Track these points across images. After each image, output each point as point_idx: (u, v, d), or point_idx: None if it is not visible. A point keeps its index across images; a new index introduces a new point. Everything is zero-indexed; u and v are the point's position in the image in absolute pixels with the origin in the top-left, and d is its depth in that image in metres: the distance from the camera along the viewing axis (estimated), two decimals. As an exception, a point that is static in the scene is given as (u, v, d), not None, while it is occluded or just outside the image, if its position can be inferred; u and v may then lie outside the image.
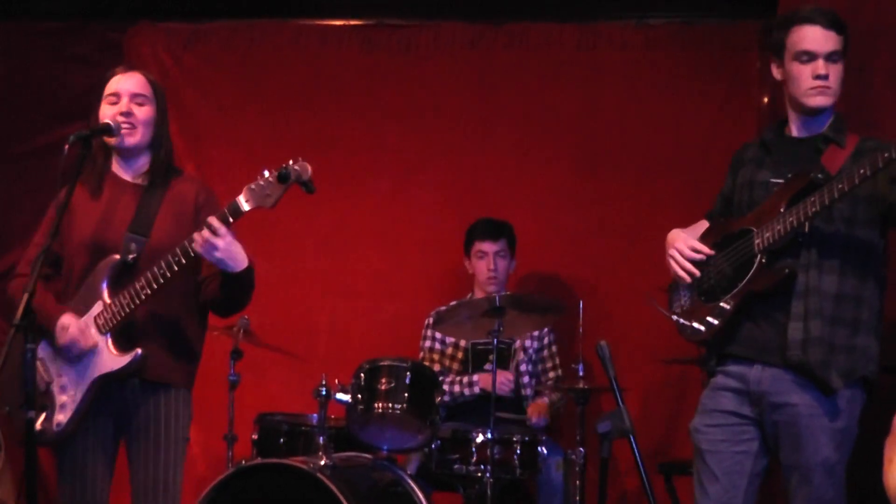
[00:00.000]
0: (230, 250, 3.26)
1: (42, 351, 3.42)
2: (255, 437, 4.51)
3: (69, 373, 3.39)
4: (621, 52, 5.44)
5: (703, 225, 3.55)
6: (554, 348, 5.07)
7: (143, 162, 3.53)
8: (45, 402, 3.38)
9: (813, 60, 3.26)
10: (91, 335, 3.36)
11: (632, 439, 3.05)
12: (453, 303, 4.95)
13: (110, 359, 3.35)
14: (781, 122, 3.47)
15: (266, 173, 3.23)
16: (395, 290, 5.49)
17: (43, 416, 3.38)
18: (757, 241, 3.27)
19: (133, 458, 3.46)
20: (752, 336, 3.30)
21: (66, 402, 3.38)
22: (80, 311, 3.40)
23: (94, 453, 3.43)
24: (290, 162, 3.23)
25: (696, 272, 3.40)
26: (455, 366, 5.04)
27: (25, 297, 3.02)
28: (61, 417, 3.37)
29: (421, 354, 5.11)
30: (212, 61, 5.65)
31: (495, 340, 4.31)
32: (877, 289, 3.29)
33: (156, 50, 5.60)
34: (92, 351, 3.37)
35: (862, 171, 3.02)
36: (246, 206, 3.24)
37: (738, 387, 3.32)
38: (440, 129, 5.54)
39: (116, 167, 3.54)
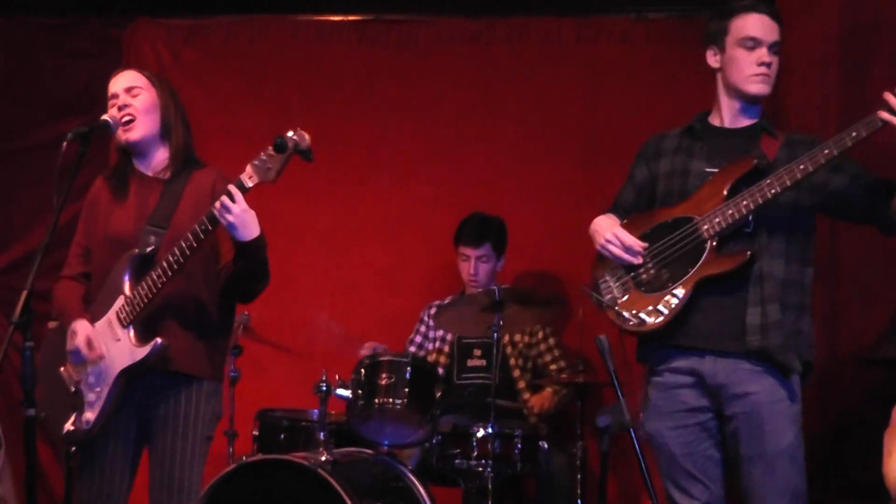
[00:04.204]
0: (243, 217, 3.27)
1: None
2: (255, 432, 4.52)
3: (95, 369, 3.38)
4: (621, 46, 5.43)
5: (612, 218, 3.52)
6: (551, 341, 5.03)
7: (161, 155, 3.56)
8: (76, 402, 3.36)
9: (758, 47, 3.32)
10: (98, 347, 3.35)
11: (632, 433, 3.05)
12: (448, 298, 4.94)
13: (132, 351, 3.34)
14: (705, 112, 3.51)
15: (269, 148, 3.25)
16: (396, 286, 5.48)
17: (73, 416, 3.36)
18: (705, 227, 3.26)
19: (152, 454, 3.45)
20: (700, 326, 3.27)
21: (93, 400, 3.37)
22: (102, 310, 3.41)
23: (115, 453, 3.42)
24: (290, 133, 3.23)
25: (641, 248, 3.35)
26: (442, 359, 5.04)
27: (24, 294, 3.00)
28: (90, 415, 3.36)
29: (412, 349, 5.12)
30: (211, 57, 5.65)
31: (495, 335, 4.30)
32: (812, 274, 3.34)
33: (155, 45, 5.60)
34: (115, 345, 3.36)
35: (827, 151, 3.08)
36: (249, 183, 3.27)
37: (692, 381, 3.31)
38: (440, 124, 5.53)
39: (138, 165, 3.57)
